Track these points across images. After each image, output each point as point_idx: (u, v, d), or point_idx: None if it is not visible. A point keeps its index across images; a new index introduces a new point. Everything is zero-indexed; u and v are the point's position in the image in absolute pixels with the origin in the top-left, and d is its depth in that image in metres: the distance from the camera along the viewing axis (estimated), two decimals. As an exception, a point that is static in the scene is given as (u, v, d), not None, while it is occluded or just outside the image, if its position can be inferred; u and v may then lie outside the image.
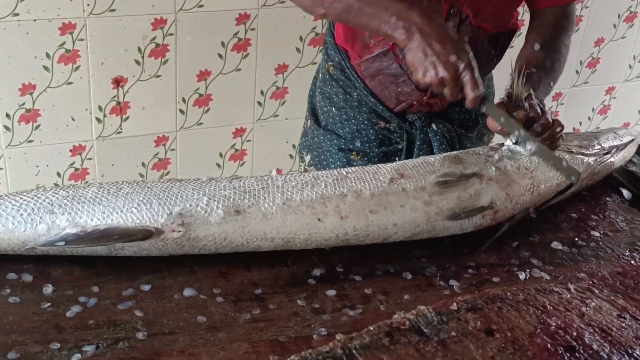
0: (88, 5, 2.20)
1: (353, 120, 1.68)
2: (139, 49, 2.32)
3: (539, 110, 1.39)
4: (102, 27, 2.25)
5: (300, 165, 1.83)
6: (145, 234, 1.16)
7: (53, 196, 1.18)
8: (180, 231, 1.17)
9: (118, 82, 2.35)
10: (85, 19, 2.22)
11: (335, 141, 1.70)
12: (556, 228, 1.41)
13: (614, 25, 2.96)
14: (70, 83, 2.29)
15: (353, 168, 1.33)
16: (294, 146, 2.69)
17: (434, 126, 1.64)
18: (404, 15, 1.31)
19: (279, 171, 2.10)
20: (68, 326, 1.04)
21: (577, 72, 2.99)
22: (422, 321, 0.89)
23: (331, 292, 1.17)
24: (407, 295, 1.18)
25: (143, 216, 1.17)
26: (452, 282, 1.22)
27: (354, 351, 0.83)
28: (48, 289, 1.10)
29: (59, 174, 2.43)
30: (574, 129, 3.11)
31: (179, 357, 1.01)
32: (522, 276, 1.26)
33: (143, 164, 2.53)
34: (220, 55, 2.44)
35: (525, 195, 1.35)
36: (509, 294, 0.97)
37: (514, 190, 1.34)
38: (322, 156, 1.73)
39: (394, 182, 1.29)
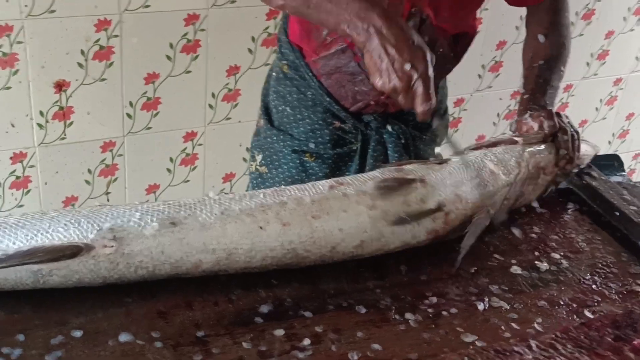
0: (26, 6, 2.07)
1: (307, 120, 1.63)
2: (82, 52, 2.20)
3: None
4: (42, 29, 2.13)
5: (251, 165, 1.76)
6: (74, 251, 1.07)
7: None
8: (112, 246, 1.09)
9: (60, 86, 2.23)
10: (23, 20, 2.09)
11: (288, 142, 1.66)
12: (515, 250, 1.36)
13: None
14: (8, 88, 2.16)
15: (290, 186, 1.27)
16: (247, 149, 2.59)
17: (389, 127, 1.61)
18: (364, 15, 1.24)
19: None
20: (-12, 383, 0.95)
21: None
22: None
23: (279, 332, 1.09)
24: (360, 333, 1.11)
25: (71, 234, 1.09)
26: (408, 315, 1.16)
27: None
28: (-33, 340, 1.00)
29: (-1, 183, 2.31)
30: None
31: (111, 415, 0.93)
32: (480, 307, 1.20)
33: (89, 171, 2.42)
34: (168, 57, 2.33)
35: (474, 193, 1.30)
36: (466, 358, 0.89)
37: (462, 189, 1.29)
38: (274, 157, 1.68)
39: (334, 188, 1.23)
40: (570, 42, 1.63)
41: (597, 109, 3.18)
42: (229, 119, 2.53)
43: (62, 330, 1.04)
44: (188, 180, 2.59)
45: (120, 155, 2.43)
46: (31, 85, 2.19)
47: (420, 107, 1.23)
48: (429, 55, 1.24)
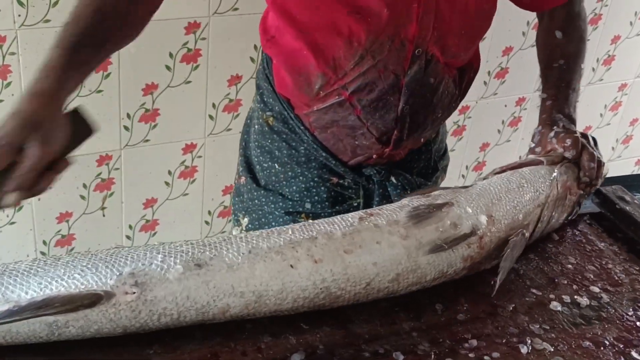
0: (19, 15, 1.97)
1: (301, 178, 1.47)
2: (78, 63, 2.10)
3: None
4: (36, 40, 2.03)
5: (237, 229, 1.57)
6: (93, 299, 0.98)
7: None
8: (134, 292, 1.00)
9: (55, 98, 2.12)
10: (16, 30, 1.99)
11: (280, 203, 1.48)
12: (553, 283, 1.28)
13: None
14: (0, 101, 2.06)
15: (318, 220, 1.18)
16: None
17: (393, 179, 1.48)
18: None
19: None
20: None
21: (593, 69, 2.96)
22: None
23: (315, 386, 1.01)
24: (400, 383, 1.03)
25: (89, 281, 1.00)
26: (449, 362, 1.09)
27: None
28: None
29: (-10, 200, 2.20)
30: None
31: None
32: (524, 349, 1.12)
33: (84, 186, 2.32)
34: (168, 67, 2.24)
35: (508, 215, 1.23)
36: None
37: (493, 211, 1.22)
38: (264, 219, 1.50)
39: (364, 220, 1.15)
40: (586, 37, 1.53)
41: (601, 114, 3.13)
42: (229, 130, 2.44)
43: (81, 393, 0.95)
44: (187, 194, 2.50)
45: (117, 168, 2.34)
46: (25, 98, 2.08)
47: None
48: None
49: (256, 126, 1.52)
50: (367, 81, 1.33)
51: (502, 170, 1.37)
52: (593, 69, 2.99)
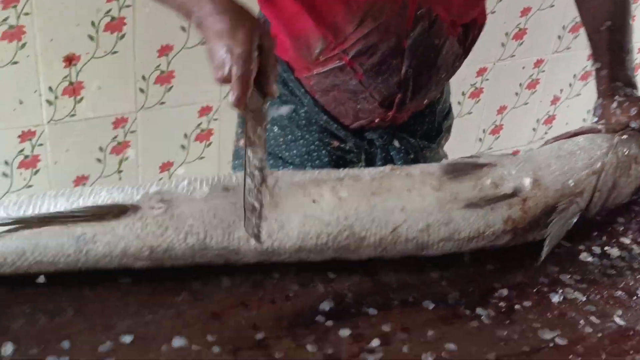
0: (32, -24, 1.94)
1: (301, 141, 1.42)
2: (93, 24, 2.07)
3: None
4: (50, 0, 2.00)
5: None
6: (120, 210, 0.99)
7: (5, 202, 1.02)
8: (160, 207, 1.00)
9: (70, 60, 2.10)
10: (30, -8, 1.96)
11: (280, 167, 1.43)
12: (582, 234, 1.26)
13: None
14: (15, 63, 2.04)
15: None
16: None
17: (396, 142, 1.43)
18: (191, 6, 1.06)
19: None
20: (35, 399, 0.85)
21: (503, 45, 2.77)
22: None
23: (345, 333, 1.00)
24: (431, 331, 1.02)
25: (115, 197, 1.02)
26: (479, 310, 1.07)
27: None
28: (8, 349, 0.90)
29: (7, 163, 2.19)
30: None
31: None
32: (555, 299, 1.11)
33: (101, 149, 2.30)
34: (183, 28, 2.20)
35: (557, 180, 1.18)
36: None
37: (540, 175, 1.17)
38: None
39: (396, 170, 1.14)
40: None
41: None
42: (245, 92, 2.41)
43: (110, 336, 0.94)
44: (203, 157, 2.48)
45: (133, 131, 2.32)
46: (39, 59, 2.06)
47: (230, 97, 1.00)
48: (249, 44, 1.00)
49: None
50: (368, 45, 1.29)
51: (555, 139, 1.32)
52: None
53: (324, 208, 1.06)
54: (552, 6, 2.75)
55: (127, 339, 0.94)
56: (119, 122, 2.28)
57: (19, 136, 2.16)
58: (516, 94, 2.91)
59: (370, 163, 1.44)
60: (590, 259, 1.21)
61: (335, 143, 1.43)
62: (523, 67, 2.85)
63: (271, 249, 1.05)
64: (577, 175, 1.21)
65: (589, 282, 1.15)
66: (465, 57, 1.45)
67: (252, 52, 0.98)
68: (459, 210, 1.11)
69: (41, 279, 1.00)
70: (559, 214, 1.16)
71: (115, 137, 2.30)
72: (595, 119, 1.39)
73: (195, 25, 1.06)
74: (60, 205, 1.00)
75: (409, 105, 1.40)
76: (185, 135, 2.42)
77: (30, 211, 0.99)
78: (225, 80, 0.99)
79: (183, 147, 2.42)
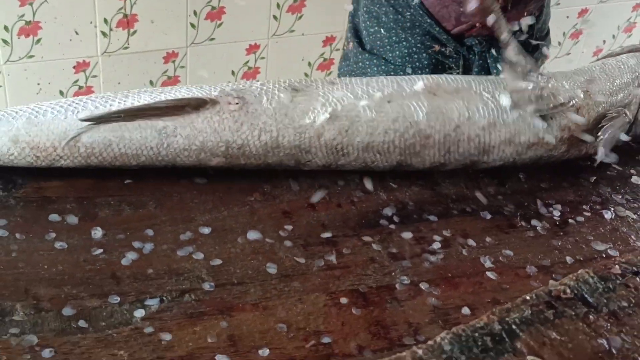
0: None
1: (404, 43, 1.51)
2: (148, -44, 2.12)
3: None
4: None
5: None
6: (199, 102, 1.06)
7: (92, 96, 1.09)
8: (237, 103, 1.07)
9: (125, -8, 2.15)
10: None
11: (383, 67, 1.53)
12: (633, 160, 1.30)
13: None
14: (31, 56, 2.09)
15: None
16: (309, 64, 2.53)
17: (493, 51, 1.48)
18: None
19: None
20: (125, 276, 0.91)
21: None
22: (584, 288, 0.78)
23: (407, 235, 1.05)
24: (489, 238, 1.07)
25: (194, 92, 1.08)
26: (535, 222, 1.12)
27: (514, 327, 0.72)
28: (97, 233, 0.97)
29: (62, 93, 2.26)
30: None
31: (252, 311, 0.90)
32: (607, 215, 1.15)
33: (151, 82, 2.35)
34: (234, -34, 2.25)
35: (606, 91, 1.23)
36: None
37: (591, 87, 1.22)
38: None
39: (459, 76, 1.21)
40: None
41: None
42: (292, 31, 2.45)
43: (190, 227, 1.00)
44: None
45: (183, 67, 2.37)
46: (96, -10, 2.11)
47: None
48: None
49: None
50: None
51: (599, 59, 1.36)
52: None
53: (392, 106, 1.11)
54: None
55: (205, 230, 1.00)
56: (170, 57, 2.33)
57: (74, 67, 2.22)
58: (559, 43, 2.91)
59: (467, 69, 1.51)
60: (641, 182, 1.25)
61: (436, 47, 1.50)
62: (567, 16, 2.84)
63: (340, 145, 1.10)
64: (624, 88, 1.26)
65: (640, 203, 1.20)
66: None
67: None
68: (518, 111, 1.15)
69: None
70: (609, 121, 1.20)
71: (166, 71, 2.36)
72: None
73: None
74: (144, 100, 1.06)
75: (509, 14, 1.44)
76: (233, 73, 2.46)
77: (115, 105, 1.05)
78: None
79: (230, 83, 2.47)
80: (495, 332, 0.73)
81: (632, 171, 1.27)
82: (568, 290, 0.76)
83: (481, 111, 1.13)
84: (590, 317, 0.73)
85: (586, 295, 0.76)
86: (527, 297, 0.75)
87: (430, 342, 0.75)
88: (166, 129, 1.04)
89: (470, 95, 1.14)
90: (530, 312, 0.73)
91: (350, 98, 1.11)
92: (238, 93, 1.08)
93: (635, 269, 0.81)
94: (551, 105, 1.16)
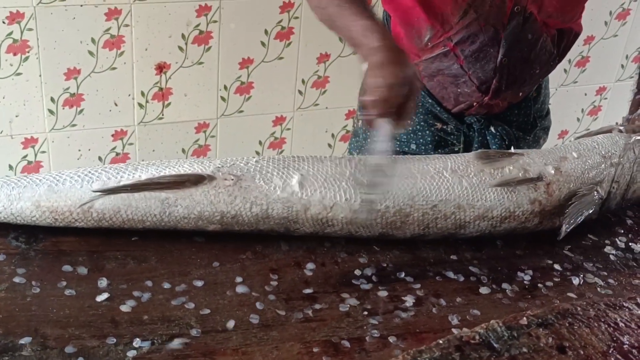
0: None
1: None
2: (183, 36, 2.32)
3: None
4: (147, 13, 2.25)
5: None
6: (198, 179, 1.19)
7: (106, 167, 1.24)
8: (232, 179, 1.20)
9: (161, 68, 2.35)
10: (131, 4, 2.22)
11: None
12: (609, 232, 1.39)
13: (605, 23, 2.82)
14: (114, 68, 2.29)
15: None
16: (332, 135, 2.68)
17: (492, 128, 1.61)
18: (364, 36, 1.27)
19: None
20: (123, 321, 1.04)
21: (565, 71, 2.87)
22: (492, 336, 0.87)
23: (383, 293, 1.16)
24: (459, 298, 1.17)
25: (194, 168, 1.22)
26: (505, 285, 1.21)
27: (424, 365, 0.82)
28: (103, 282, 1.10)
29: (100, 159, 2.44)
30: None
31: (232, 355, 1.01)
32: (575, 281, 1.24)
33: (183, 150, 2.53)
34: (262, 43, 2.42)
35: (577, 169, 1.33)
36: (579, 309, 0.94)
37: (563, 164, 1.33)
38: None
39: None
40: None
41: (578, 119, 3.06)
42: (317, 105, 2.61)
43: (185, 280, 1.13)
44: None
45: (213, 136, 2.54)
46: (135, 66, 2.31)
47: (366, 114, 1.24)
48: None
49: None
50: (469, 33, 1.48)
51: (576, 139, 1.47)
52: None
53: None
54: (616, 36, 2.85)
55: (198, 283, 1.13)
56: (201, 127, 2.51)
57: (112, 135, 2.41)
58: (578, 119, 3.00)
59: (468, 145, 1.63)
60: (613, 252, 1.33)
61: (438, 125, 1.63)
62: (585, 94, 2.94)
63: (325, 219, 1.22)
64: (596, 166, 1.35)
65: (610, 271, 1.28)
66: (560, 60, 1.64)
67: (401, 86, 1.18)
68: (491, 189, 1.26)
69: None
70: (579, 199, 1.30)
71: (197, 140, 2.53)
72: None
73: (362, 55, 1.27)
74: (151, 172, 1.20)
75: (505, 94, 1.58)
76: (260, 142, 2.62)
77: (126, 176, 1.19)
78: (373, 103, 1.20)
79: (257, 153, 2.63)
80: (406, 371, 0.82)
81: (607, 241, 1.36)
82: (477, 337, 0.85)
83: (456, 192, 1.25)
84: None
85: (492, 342, 0.85)
86: (441, 341, 0.85)
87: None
88: (168, 200, 1.18)
89: (446, 174, 1.26)
90: (440, 354, 0.82)
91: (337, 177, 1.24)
92: (233, 171, 1.21)
93: (540, 320, 0.90)
94: (520, 179, 1.27)
